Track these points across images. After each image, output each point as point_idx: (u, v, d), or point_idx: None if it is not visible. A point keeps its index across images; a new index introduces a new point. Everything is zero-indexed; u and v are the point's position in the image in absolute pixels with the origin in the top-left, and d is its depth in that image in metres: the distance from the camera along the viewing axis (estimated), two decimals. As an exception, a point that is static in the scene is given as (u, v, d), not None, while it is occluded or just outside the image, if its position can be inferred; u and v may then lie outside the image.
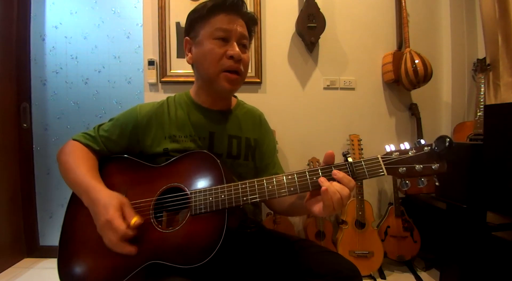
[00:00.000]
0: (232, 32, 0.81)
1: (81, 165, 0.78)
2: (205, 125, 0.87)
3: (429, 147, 0.62)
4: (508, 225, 1.29)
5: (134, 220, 0.69)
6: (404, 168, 0.63)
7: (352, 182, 0.63)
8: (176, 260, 0.66)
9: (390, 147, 0.65)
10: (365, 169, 0.64)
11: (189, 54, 0.87)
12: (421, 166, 0.62)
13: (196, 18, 0.83)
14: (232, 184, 0.69)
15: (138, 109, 0.87)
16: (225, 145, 0.88)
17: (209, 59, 0.81)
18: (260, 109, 1.02)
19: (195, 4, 1.80)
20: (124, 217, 0.68)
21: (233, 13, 0.82)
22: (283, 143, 1.85)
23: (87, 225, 0.75)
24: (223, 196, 0.68)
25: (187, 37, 0.87)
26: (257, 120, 0.98)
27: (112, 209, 0.68)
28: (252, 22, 0.88)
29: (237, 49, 0.80)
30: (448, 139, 0.59)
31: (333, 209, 0.62)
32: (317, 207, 0.65)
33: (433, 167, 0.62)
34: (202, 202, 0.69)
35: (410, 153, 0.63)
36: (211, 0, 0.82)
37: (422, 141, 0.64)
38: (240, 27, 0.83)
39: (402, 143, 0.65)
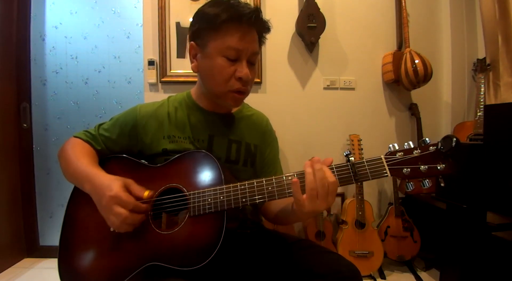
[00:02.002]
0: (243, 51, 0.76)
1: (82, 157, 0.78)
2: (205, 127, 0.86)
3: (435, 147, 0.60)
4: (508, 225, 1.29)
5: (147, 192, 0.69)
6: (409, 169, 0.60)
7: (331, 178, 0.61)
8: (174, 262, 0.66)
9: (393, 146, 0.63)
10: (368, 170, 0.63)
11: (195, 62, 0.82)
12: (426, 166, 0.60)
13: (206, 27, 0.77)
14: (231, 185, 0.69)
15: (138, 109, 0.87)
16: (224, 149, 0.87)
17: (217, 77, 0.78)
18: (260, 109, 1.01)
19: (195, 4, 1.82)
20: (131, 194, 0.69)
21: (247, 26, 0.76)
22: (283, 143, 1.85)
23: (87, 224, 0.76)
24: (222, 197, 0.68)
25: (193, 42, 0.81)
26: (262, 126, 0.96)
27: (116, 185, 0.68)
28: (266, 30, 0.83)
29: (246, 70, 0.77)
30: (455, 139, 0.57)
31: (316, 195, 0.61)
32: (304, 196, 0.63)
33: (438, 167, 0.59)
34: (201, 203, 0.69)
35: (414, 152, 0.61)
36: (225, 10, 0.75)
37: (428, 140, 0.61)
38: (252, 44, 0.78)
39: (406, 142, 0.62)
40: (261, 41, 0.84)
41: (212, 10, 0.76)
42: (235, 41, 0.75)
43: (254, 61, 0.81)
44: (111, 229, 0.71)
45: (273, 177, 0.67)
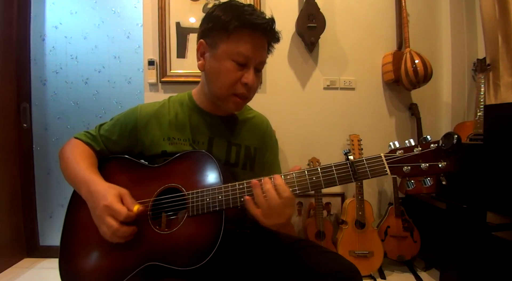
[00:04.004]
0: (253, 59, 0.77)
1: (81, 161, 0.78)
2: (205, 129, 0.86)
3: (436, 144, 0.59)
4: (508, 225, 1.29)
5: (137, 206, 0.69)
6: (409, 167, 0.60)
7: (286, 193, 0.62)
8: (173, 262, 0.66)
9: (394, 144, 0.62)
10: (367, 169, 0.62)
11: (202, 60, 0.81)
12: (427, 164, 0.59)
13: (219, 29, 0.76)
14: (230, 184, 0.69)
15: (139, 109, 0.87)
16: (224, 152, 0.86)
17: (222, 80, 0.78)
18: (260, 109, 1.01)
19: (195, 4, 1.82)
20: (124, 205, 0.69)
21: (260, 36, 0.77)
22: (283, 143, 1.85)
23: (87, 225, 0.75)
24: (220, 196, 0.68)
25: (202, 40, 0.80)
26: (262, 129, 0.95)
27: (111, 195, 0.68)
28: (275, 41, 0.83)
29: (253, 76, 0.77)
30: (456, 136, 0.56)
31: (270, 213, 0.63)
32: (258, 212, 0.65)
33: (439, 165, 0.59)
34: (200, 202, 0.69)
35: (415, 150, 0.60)
36: (240, 16, 0.74)
37: (429, 138, 0.60)
38: (262, 53, 0.80)
39: (407, 139, 0.61)
40: (269, 50, 0.85)
41: (227, 14, 0.76)
42: (246, 48, 0.75)
43: (260, 69, 0.82)
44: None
45: (272, 176, 0.67)
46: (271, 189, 0.63)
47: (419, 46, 1.79)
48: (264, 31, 0.77)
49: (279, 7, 1.85)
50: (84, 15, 1.98)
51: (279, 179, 0.64)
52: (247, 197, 0.65)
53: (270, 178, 0.65)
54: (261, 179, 0.65)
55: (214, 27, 0.77)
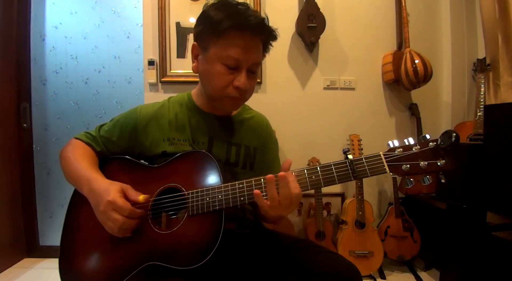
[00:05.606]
0: (244, 62, 0.75)
1: (82, 160, 0.79)
2: (205, 130, 0.86)
3: (435, 143, 0.60)
4: (508, 225, 1.29)
5: (142, 196, 0.70)
6: (408, 165, 0.60)
7: (297, 190, 0.64)
8: (173, 261, 0.66)
9: (393, 143, 0.63)
10: (366, 167, 0.62)
11: (196, 62, 0.82)
12: (426, 163, 0.59)
13: (210, 31, 0.75)
14: (229, 183, 0.69)
15: (139, 110, 0.87)
16: (224, 151, 0.86)
17: (214, 83, 0.77)
18: (260, 109, 1.01)
19: (195, 4, 1.82)
20: (128, 199, 0.69)
21: (251, 36, 0.74)
22: (283, 143, 1.85)
23: (87, 225, 0.76)
24: (220, 196, 0.68)
25: (195, 43, 0.81)
26: (262, 129, 0.95)
27: (114, 191, 0.68)
28: (272, 39, 0.80)
29: (244, 80, 0.75)
30: (454, 134, 0.57)
31: (279, 205, 0.65)
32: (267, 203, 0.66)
33: (438, 163, 0.59)
34: (200, 202, 0.69)
35: (414, 149, 0.60)
36: (230, 17, 0.72)
37: (427, 136, 0.61)
38: (254, 54, 0.76)
39: (406, 138, 0.62)
40: (266, 48, 0.83)
41: (217, 14, 0.74)
42: (236, 51, 0.74)
43: (255, 70, 0.80)
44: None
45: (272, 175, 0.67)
46: (286, 185, 0.64)
47: (419, 46, 1.79)
48: (256, 32, 0.75)
49: (279, 7, 1.85)
50: (84, 15, 1.98)
51: (292, 176, 0.65)
52: (256, 191, 0.65)
53: (284, 174, 0.65)
54: (276, 175, 0.65)
55: (205, 29, 0.76)
